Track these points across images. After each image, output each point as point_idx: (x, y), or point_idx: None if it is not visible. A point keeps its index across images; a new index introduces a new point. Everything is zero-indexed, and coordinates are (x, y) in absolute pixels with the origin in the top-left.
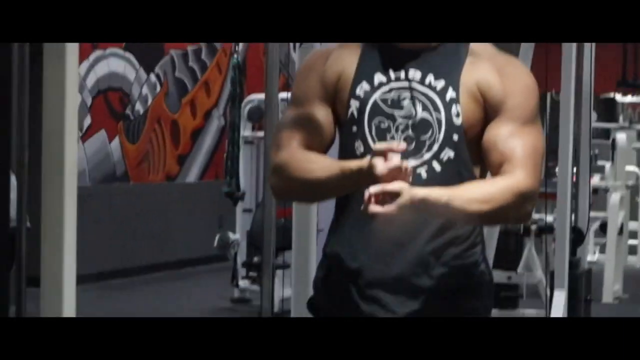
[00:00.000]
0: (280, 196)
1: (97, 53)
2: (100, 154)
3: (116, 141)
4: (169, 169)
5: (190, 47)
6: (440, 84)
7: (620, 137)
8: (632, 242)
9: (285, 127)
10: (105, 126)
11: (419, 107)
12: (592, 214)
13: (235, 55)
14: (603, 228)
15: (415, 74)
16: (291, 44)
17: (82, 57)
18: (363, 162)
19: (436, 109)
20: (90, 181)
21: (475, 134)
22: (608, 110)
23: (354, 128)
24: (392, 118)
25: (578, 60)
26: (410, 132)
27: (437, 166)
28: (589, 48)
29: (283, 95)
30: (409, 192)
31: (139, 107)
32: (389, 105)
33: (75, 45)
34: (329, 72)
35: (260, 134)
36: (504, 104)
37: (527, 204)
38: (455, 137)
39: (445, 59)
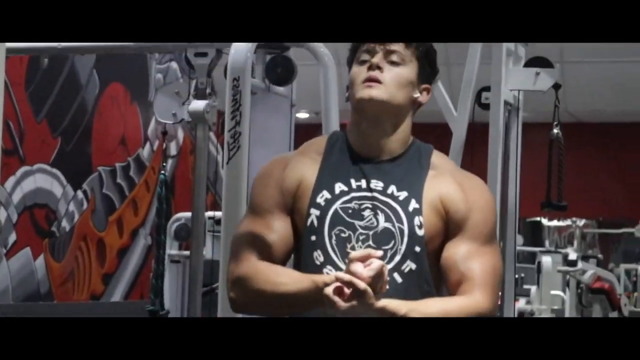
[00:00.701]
0: (240, 309)
1: (24, 168)
2: (24, 271)
3: (41, 259)
4: (94, 288)
5: (118, 164)
6: (403, 194)
7: (546, 260)
8: None
9: (243, 237)
10: (31, 243)
11: (381, 218)
12: None
13: (163, 172)
14: None
15: (377, 184)
16: (219, 161)
17: (9, 172)
18: (339, 273)
19: (399, 219)
20: (14, 300)
21: (436, 248)
22: (534, 234)
23: (313, 237)
24: (352, 228)
25: (503, 182)
26: (371, 242)
27: (398, 278)
28: (514, 170)
29: (210, 213)
30: (371, 297)
31: (65, 224)
32: (349, 215)
33: None
34: (288, 181)
35: (187, 252)
36: (466, 220)
37: None
38: (418, 249)
39: (406, 170)
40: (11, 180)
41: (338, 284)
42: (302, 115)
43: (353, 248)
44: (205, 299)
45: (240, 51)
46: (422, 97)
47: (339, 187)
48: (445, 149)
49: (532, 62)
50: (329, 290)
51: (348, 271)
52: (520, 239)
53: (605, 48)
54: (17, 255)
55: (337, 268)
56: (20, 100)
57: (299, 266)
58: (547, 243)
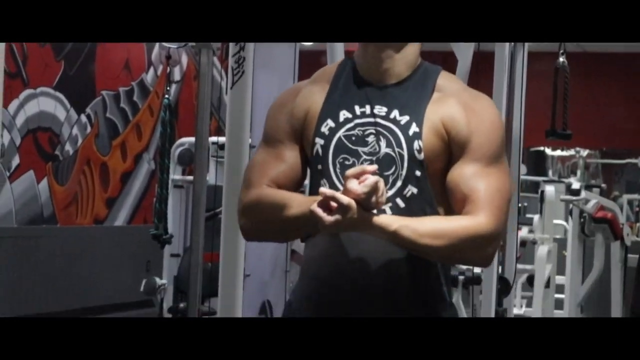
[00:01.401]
0: (250, 237)
1: (28, 92)
2: (28, 195)
3: (44, 182)
4: (98, 212)
5: (122, 88)
6: (404, 118)
7: (549, 190)
8: (558, 296)
9: (255, 166)
10: (34, 166)
11: (383, 143)
12: (520, 266)
13: (167, 96)
14: (530, 281)
15: (381, 109)
16: (223, 87)
17: (13, 95)
18: (323, 189)
19: (399, 144)
20: (17, 223)
21: (439, 171)
22: (538, 164)
23: (319, 166)
24: (356, 155)
25: (508, 112)
26: (381, 167)
27: (400, 203)
28: (519, 100)
29: (214, 139)
30: (356, 212)
31: (68, 148)
32: (353, 142)
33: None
34: (297, 110)
35: (190, 178)
36: (469, 142)
37: (487, 247)
38: (418, 173)
39: (411, 94)
40: (14, 104)
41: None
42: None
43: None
44: (208, 223)
45: None
46: None
47: (343, 114)
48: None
49: None
50: (314, 206)
51: (345, 189)
52: (523, 169)
53: None
54: (20, 179)
55: None
56: None
57: (310, 192)
58: (550, 172)
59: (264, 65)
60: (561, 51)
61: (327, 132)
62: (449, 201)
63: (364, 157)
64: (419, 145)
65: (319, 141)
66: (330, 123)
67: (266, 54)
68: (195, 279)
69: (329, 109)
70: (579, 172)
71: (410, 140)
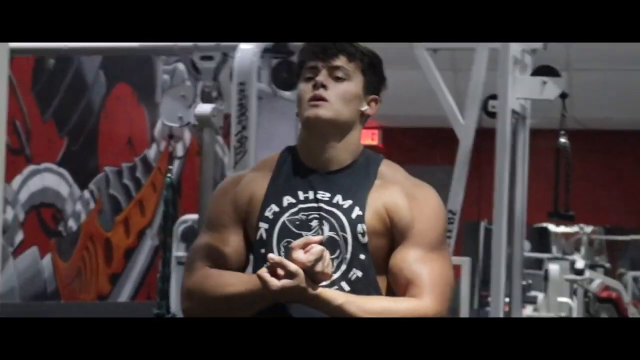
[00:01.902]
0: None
1: (31, 167)
2: (31, 270)
3: (48, 258)
4: (101, 288)
5: (125, 164)
6: (347, 203)
7: (553, 268)
8: None
9: (198, 250)
10: (38, 242)
11: (326, 227)
12: None
13: (169, 175)
14: None
15: (324, 194)
16: (226, 162)
17: (16, 171)
18: (270, 255)
19: (342, 228)
20: (20, 299)
21: (382, 257)
22: (541, 240)
23: (262, 250)
24: (299, 239)
25: (510, 189)
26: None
27: (345, 286)
28: (521, 177)
29: None
30: (304, 280)
31: (72, 224)
32: (297, 227)
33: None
34: (240, 196)
35: None
36: (411, 228)
37: None
38: (362, 256)
39: (354, 179)
40: (18, 179)
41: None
42: None
43: None
44: None
45: (246, 55)
46: (370, 108)
47: (287, 200)
48: (452, 154)
49: (539, 71)
50: (262, 271)
51: (291, 259)
52: (527, 245)
53: (612, 55)
54: (24, 254)
55: None
56: (27, 100)
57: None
58: (554, 249)
59: (266, 144)
60: (562, 131)
61: (271, 217)
62: (391, 286)
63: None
64: (363, 229)
65: (263, 225)
66: (274, 208)
67: (268, 132)
68: None
69: (273, 194)
70: (582, 249)
71: (353, 224)
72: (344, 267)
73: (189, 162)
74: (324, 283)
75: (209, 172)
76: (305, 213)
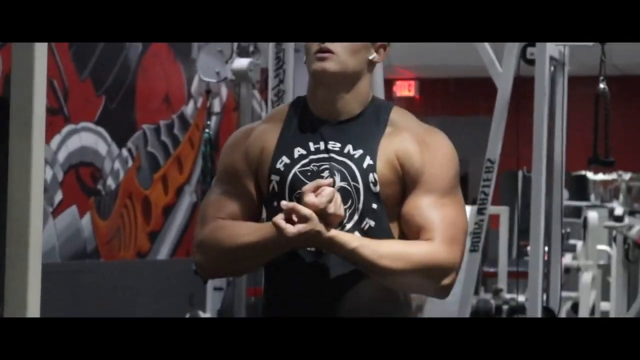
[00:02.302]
0: (208, 273)
1: (69, 127)
2: (71, 230)
3: (87, 217)
4: (140, 246)
5: (162, 121)
6: (358, 152)
7: (592, 215)
8: None
9: (210, 203)
10: (77, 201)
11: (338, 177)
12: (565, 294)
13: (207, 130)
14: (575, 308)
15: (334, 144)
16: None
17: (54, 130)
18: (283, 202)
19: (354, 178)
20: (61, 258)
21: (394, 203)
22: (580, 188)
23: (275, 203)
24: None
25: (549, 137)
26: None
27: (359, 236)
28: (560, 125)
29: None
30: (318, 224)
31: (110, 183)
32: (308, 178)
33: (42, 122)
34: (251, 148)
35: None
36: (422, 174)
37: (444, 277)
38: (375, 205)
39: (364, 128)
40: (56, 139)
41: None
42: None
43: None
44: None
45: None
46: (378, 56)
47: (297, 151)
48: (490, 104)
49: None
50: (277, 218)
51: (303, 203)
52: (566, 193)
53: None
54: (63, 214)
55: None
56: (64, 59)
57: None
58: (592, 197)
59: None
60: (601, 77)
61: (282, 169)
62: (404, 233)
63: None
64: (374, 178)
65: (275, 178)
66: (285, 160)
67: (304, 85)
68: (239, 312)
69: (283, 146)
70: (621, 196)
71: (365, 173)
72: (356, 217)
73: (226, 118)
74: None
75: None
76: (317, 164)
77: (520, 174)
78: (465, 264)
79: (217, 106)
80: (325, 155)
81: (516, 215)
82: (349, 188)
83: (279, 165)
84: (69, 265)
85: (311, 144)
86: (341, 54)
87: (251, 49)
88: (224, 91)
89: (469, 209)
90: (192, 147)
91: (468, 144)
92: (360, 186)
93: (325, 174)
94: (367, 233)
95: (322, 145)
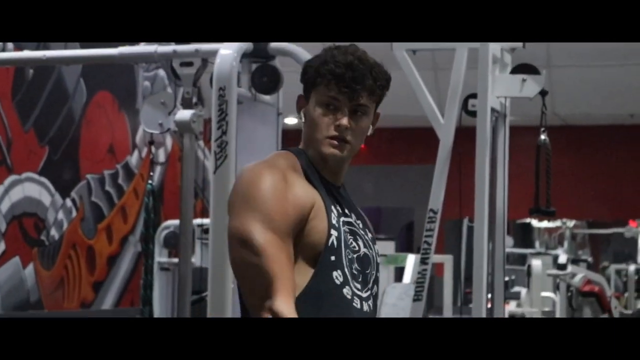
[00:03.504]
0: None
1: (12, 178)
2: (14, 280)
3: (30, 267)
4: (85, 296)
5: (106, 171)
6: (360, 222)
7: (536, 263)
8: None
9: (278, 262)
10: (20, 252)
11: (361, 243)
12: None
13: (150, 182)
14: None
15: (347, 211)
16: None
17: None
18: None
19: (370, 246)
20: (3, 308)
21: None
22: (524, 236)
23: (333, 257)
24: (353, 250)
25: (491, 186)
26: (362, 265)
27: (372, 303)
28: (502, 174)
29: (198, 221)
30: None
31: (54, 233)
32: (349, 238)
33: None
34: (303, 199)
35: (176, 260)
36: None
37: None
38: (378, 274)
39: (349, 196)
40: None
41: None
42: (290, 120)
43: (358, 270)
44: (195, 306)
45: (226, 60)
46: (372, 129)
47: (336, 209)
48: (433, 154)
49: (518, 69)
50: None
51: None
52: (510, 241)
53: (592, 52)
54: (6, 265)
55: (354, 290)
56: (7, 110)
57: (316, 286)
58: (537, 244)
59: (246, 148)
60: (542, 128)
61: (336, 225)
62: None
63: (360, 251)
64: (377, 250)
65: (334, 232)
66: (334, 216)
67: (248, 136)
68: None
69: (327, 201)
70: (566, 244)
71: (373, 243)
72: (372, 283)
73: (171, 168)
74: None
75: (189, 177)
76: (346, 227)
77: (464, 222)
78: (409, 311)
79: (162, 156)
80: (347, 220)
81: (461, 263)
82: (370, 256)
83: (334, 221)
84: (12, 316)
85: (337, 206)
86: (354, 143)
87: (194, 100)
88: (169, 141)
89: (413, 257)
90: (137, 197)
91: (414, 193)
92: (375, 255)
93: (349, 236)
94: (374, 299)
95: (340, 209)
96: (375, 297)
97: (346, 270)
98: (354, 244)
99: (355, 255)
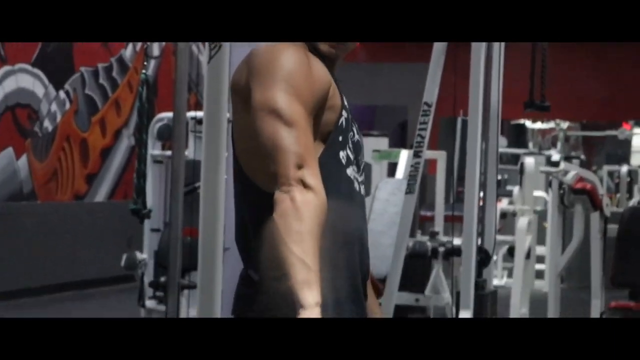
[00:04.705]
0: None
1: (6, 68)
2: (7, 171)
3: (24, 159)
4: (78, 188)
5: (100, 64)
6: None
7: (529, 161)
8: (539, 266)
9: (305, 141)
10: (13, 143)
11: (354, 128)
12: (501, 237)
13: (144, 71)
14: (511, 252)
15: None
16: (202, 61)
17: None
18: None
19: (360, 134)
20: None
21: None
22: (518, 137)
23: (340, 137)
24: (352, 135)
25: (486, 82)
26: (356, 150)
27: (363, 188)
28: (497, 70)
29: (192, 114)
30: None
31: (47, 125)
32: (352, 125)
33: None
34: (325, 77)
35: (169, 153)
36: None
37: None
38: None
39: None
40: None
41: None
42: None
43: (358, 153)
44: (187, 198)
45: None
46: None
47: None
48: (428, 50)
49: None
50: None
51: None
52: (504, 141)
53: None
54: None
55: (354, 171)
56: None
57: (325, 162)
58: (531, 145)
59: None
60: None
61: (347, 107)
62: None
63: (354, 137)
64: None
65: (344, 114)
66: (344, 100)
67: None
68: (175, 253)
69: (338, 83)
70: (559, 145)
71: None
72: (363, 174)
73: (165, 62)
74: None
75: (184, 69)
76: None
77: (458, 120)
78: (401, 206)
79: (156, 50)
80: (347, 106)
81: (455, 160)
82: (360, 143)
83: (346, 102)
84: (6, 207)
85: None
86: (350, 42)
87: None
88: None
89: (406, 153)
90: (131, 91)
91: (407, 91)
92: (362, 142)
93: (352, 124)
94: (363, 184)
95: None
96: (363, 183)
97: (349, 152)
98: (352, 129)
99: (353, 140)
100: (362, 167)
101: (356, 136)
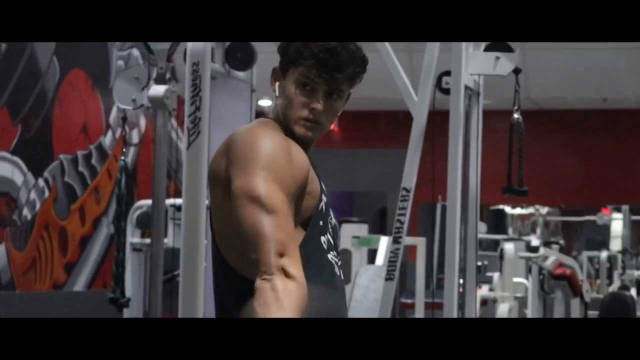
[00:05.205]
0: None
1: None
2: None
3: (2, 248)
4: (57, 277)
5: (80, 152)
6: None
7: (508, 247)
8: None
9: (289, 231)
10: None
11: (332, 213)
12: None
13: (123, 158)
14: None
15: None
16: (181, 148)
17: None
18: None
19: (336, 218)
20: None
21: None
22: (498, 222)
23: (321, 222)
24: (330, 219)
25: (464, 167)
26: (334, 234)
27: (341, 272)
28: (475, 155)
29: (171, 201)
30: None
31: (26, 213)
32: (329, 209)
33: None
34: (304, 163)
35: (149, 240)
36: None
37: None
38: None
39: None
40: None
41: None
42: (265, 102)
43: (336, 237)
44: (166, 286)
45: None
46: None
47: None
48: (406, 139)
49: (492, 47)
50: None
51: None
52: (483, 227)
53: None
54: None
55: (333, 256)
56: None
57: (307, 249)
58: (510, 231)
59: (220, 124)
60: (515, 107)
61: (326, 191)
62: None
63: (332, 220)
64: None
65: (324, 198)
66: (322, 185)
67: (222, 113)
68: None
69: (316, 168)
70: (538, 230)
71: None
72: (339, 257)
73: (144, 150)
74: None
75: (162, 155)
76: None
77: (438, 206)
78: (381, 293)
79: (135, 137)
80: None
81: (435, 247)
82: (337, 227)
83: (324, 187)
84: None
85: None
86: (325, 124)
87: (168, 76)
88: (142, 122)
89: (386, 239)
90: (110, 178)
91: (386, 177)
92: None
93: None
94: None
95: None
96: (341, 268)
97: (329, 236)
98: (330, 213)
99: (331, 223)
100: (338, 250)
101: (333, 220)
